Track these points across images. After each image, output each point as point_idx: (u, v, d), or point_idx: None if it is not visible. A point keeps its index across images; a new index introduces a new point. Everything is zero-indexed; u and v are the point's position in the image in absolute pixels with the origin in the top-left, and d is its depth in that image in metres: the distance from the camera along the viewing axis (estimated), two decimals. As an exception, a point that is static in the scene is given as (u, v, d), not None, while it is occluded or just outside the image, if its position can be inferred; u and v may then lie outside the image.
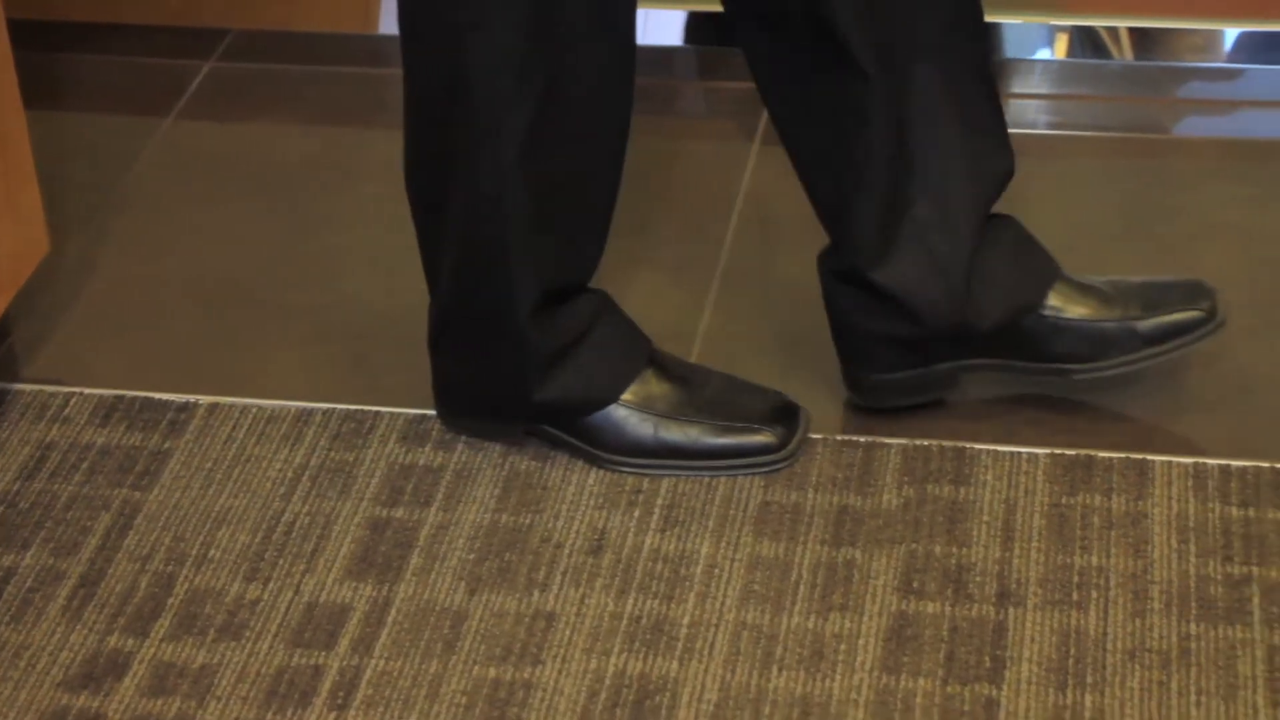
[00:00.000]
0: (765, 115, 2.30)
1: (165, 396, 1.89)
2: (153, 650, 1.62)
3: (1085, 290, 1.73)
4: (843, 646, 1.60)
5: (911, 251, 1.71)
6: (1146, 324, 1.72)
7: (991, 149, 1.72)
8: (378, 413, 1.85)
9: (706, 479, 1.76)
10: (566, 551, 1.70)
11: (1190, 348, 1.71)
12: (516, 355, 1.73)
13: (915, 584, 1.65)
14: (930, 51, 1.67)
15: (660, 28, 2.51)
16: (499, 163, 1.65)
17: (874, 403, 1.78)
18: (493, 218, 1.68)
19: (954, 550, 1.68)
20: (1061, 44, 2.39)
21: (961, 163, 1.70)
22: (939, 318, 1.71)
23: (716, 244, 2.08)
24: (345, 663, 1.60)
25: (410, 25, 1.65)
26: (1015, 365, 1.73)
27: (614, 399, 1.75)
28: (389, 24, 2.50)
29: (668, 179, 2.20)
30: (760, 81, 1.73)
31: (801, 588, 1.65)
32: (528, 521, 1.73)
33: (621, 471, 1.76)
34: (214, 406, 1.87)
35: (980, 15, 1.69)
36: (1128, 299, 1.72)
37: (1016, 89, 2.36)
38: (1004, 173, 1.73)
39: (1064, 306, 1.72)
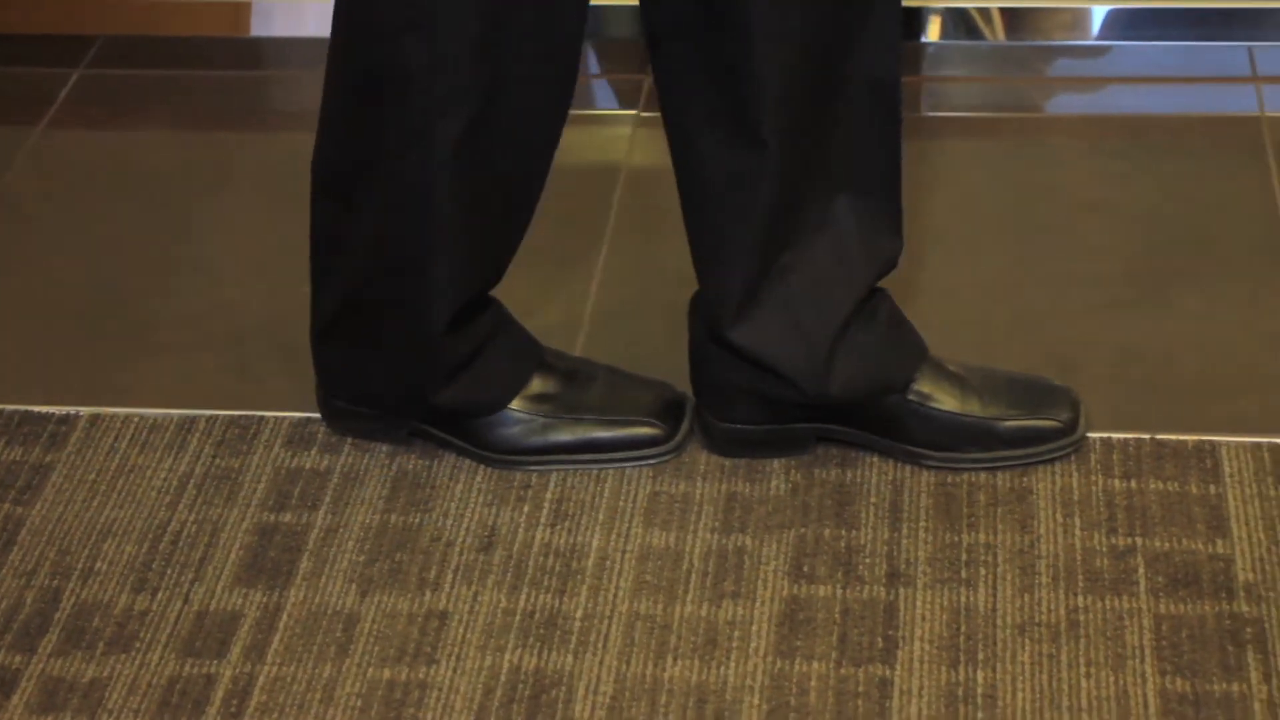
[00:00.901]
0: (641, 104, 2.31)
1: (45, 409, 1.86)
2: (41, 666, 1.60)
3: (953, 380, 1.74)
4: (736, 633, 1.60)
5: (776, 319, 1.69)
6: (1007, 425, 1.73)
7: (883, 235, 1.70)
8: (262, 418, 1.84)
9: (595, 471, 1.76)
10: (457, 550, 1.69)
11: (1049, 457, 1.73)
12: (423, 363, 1.72)
13: (806, 568, 1.66)
14: (842, 134, 1.65)
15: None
16: (426, 167, 1.63)
17: (723, 452, 1.76)
18: (414, 223, 1.66)
19: (843, 533, 1.69)
20: (935, 26, 2.41)
21: (849, 245, 1.69)
22: (797, 385, 1.71)
23: (597, 235, 2.08)
24: (238, 670, 1.59)
25: (347, 20, 1.62)
26: (871, 440, 1.74)
27: (505, 405, 1.75)
28: (260, 26, 2.48)
29: (546, 173, 2.20)
30: (661, 102, 1.69)
31: (693, 576, 1.66)
32: (417, 521, 1.72)
33: (511, 470, 1.76)
34: (95, 417, 1.85)
35: (899, 91, 1.67)
36: (994, 395, 1.73)
37: (890, 72, 2.37)
38: (890, 259, 1.71)
39: (930, 394, 1.73)
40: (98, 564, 1.69)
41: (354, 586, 1.66)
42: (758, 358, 1.71)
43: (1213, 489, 1.71)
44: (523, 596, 1.65)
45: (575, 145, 2.27)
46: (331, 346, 1.76)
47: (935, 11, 2.40)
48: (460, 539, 1.70)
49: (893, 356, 1.73)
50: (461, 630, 1.62)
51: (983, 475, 1.74)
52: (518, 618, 1.63)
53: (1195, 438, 1.76)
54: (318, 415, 1.82)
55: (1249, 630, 1.58)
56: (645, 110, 2.29)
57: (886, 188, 1.69)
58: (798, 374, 1.71)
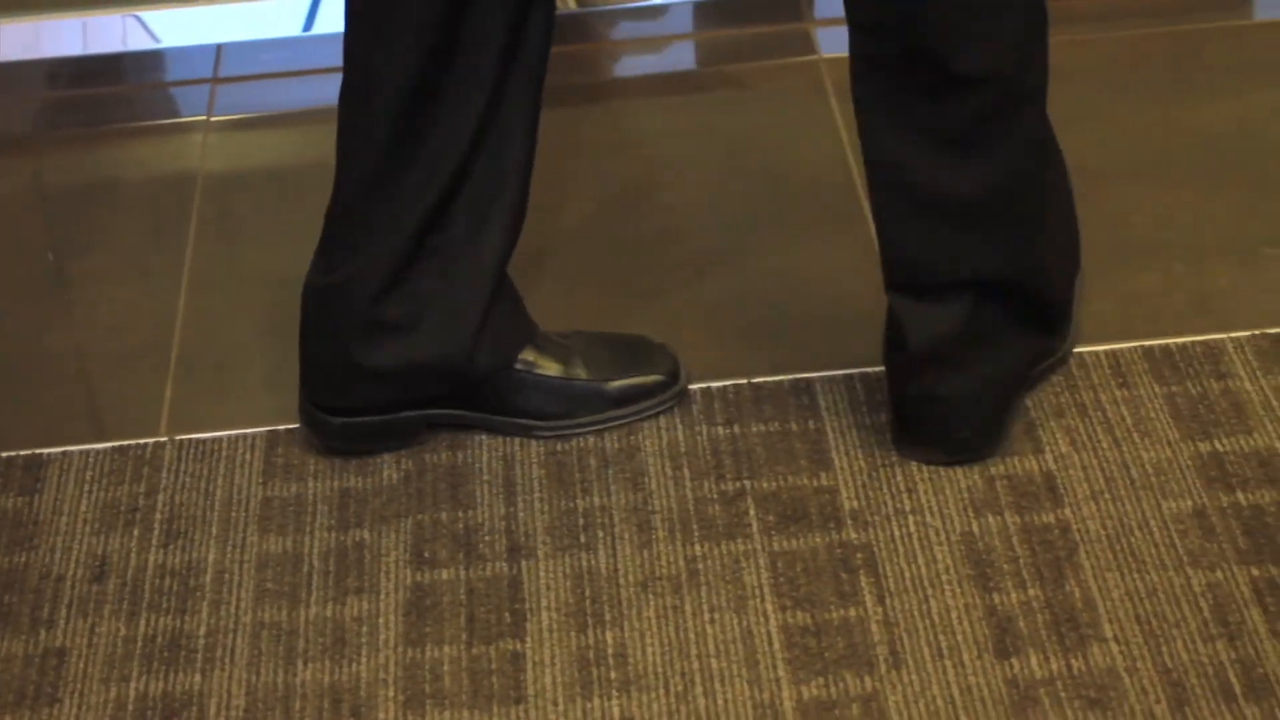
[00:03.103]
0: (208, 111, 2.27)
1: None
2: None
3: (555, 346, 1.76)
4: (364, 628, 1.60)
5: (428, 291, 1.69)
6: (614, 385, 1.76)
7: (513, 212, 1.71)
8: None
9: (203, 485, 1.73)
10: (69, 584, 1.65)
11: (654, 411, 1.77)
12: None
13: (427, 554, 1.66)
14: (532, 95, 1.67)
15: (101, 34, 2.46)
16: None
17: (332, 449, 1.75)
18: None
19: (460, 514, 1.69)
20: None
21: (489, 224, 1.69)
22: (445, 360, 1.71)
23: (180, 246, 2.05)
24: None
25: None
26: (481, 419, 1.75)
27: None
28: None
29: (119, 187, 2.15)
30: None
31: (315, 577, 1.64)
32: (23, 560, 1.67)
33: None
34: None
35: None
36: (599, 359, 1.77)
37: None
38: (514, 236, 1.72)
39: (535, 362, 1.75)
40: None
41: (-36, 636, 1.61)
42: (401, 328, 1.70)
43: (812, 424, 1.76)
44: (142, 622, 1.61)
45: (147, 157, 2.23)
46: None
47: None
48: (71, 572, 1.66)
49: (511, 331, 1.74)
50: (82, 665, 1.58)
51: (591, 439, 1.76)
52: (139, 644, 1.59)
53: (789, 377, 1.81)
54: (-94, 464, 1.75)
55: (859, 556, 1.63)
56: (214, 115, 2.25)
57: (516, 170, 1.70)
58: (448, 349, 1.71)
